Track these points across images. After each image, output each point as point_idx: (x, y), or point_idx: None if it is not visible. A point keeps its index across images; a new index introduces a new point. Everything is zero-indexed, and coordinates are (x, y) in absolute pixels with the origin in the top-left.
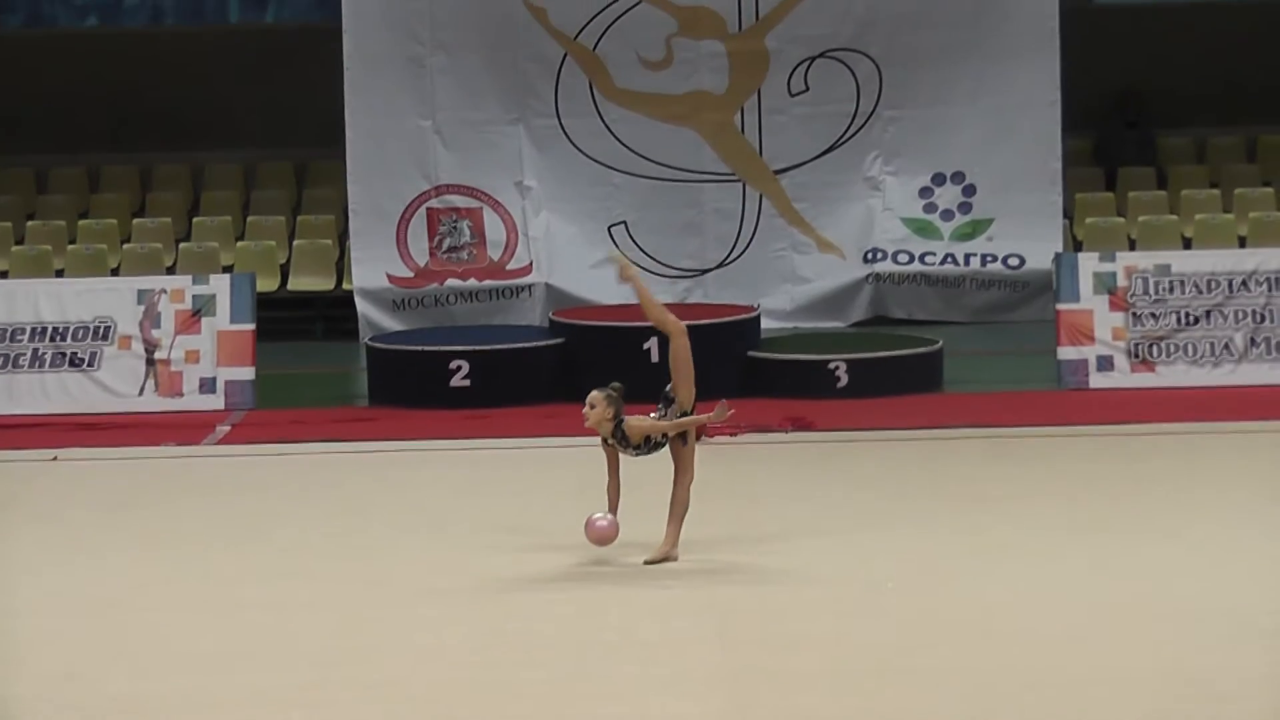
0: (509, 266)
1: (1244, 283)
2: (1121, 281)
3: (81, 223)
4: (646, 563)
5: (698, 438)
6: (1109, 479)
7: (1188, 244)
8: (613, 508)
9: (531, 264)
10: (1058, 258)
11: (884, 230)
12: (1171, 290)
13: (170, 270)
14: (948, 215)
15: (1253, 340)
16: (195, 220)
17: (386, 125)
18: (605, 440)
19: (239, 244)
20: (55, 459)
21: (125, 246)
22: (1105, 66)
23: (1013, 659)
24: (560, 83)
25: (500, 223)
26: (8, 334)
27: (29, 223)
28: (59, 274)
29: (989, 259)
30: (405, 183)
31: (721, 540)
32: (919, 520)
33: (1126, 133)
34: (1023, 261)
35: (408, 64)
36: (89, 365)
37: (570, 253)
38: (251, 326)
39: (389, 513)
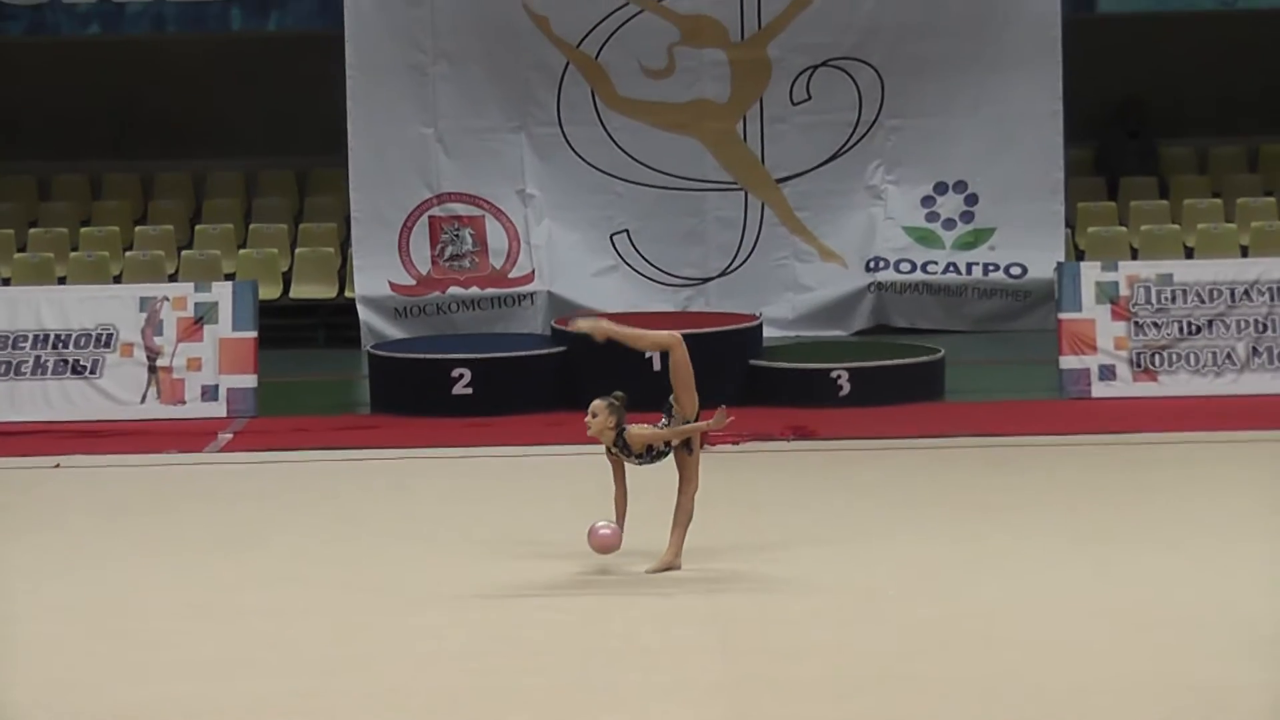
0: (511, 274)
1: (1246, 292)
2: (1123, 291)
3: (84, 230)
4: (649, 571)
5: (702, 445)
6: (1111, 488)
7: (1190, 253)
8: (620, 517)
9: (533, 272)
10: (1060, 267)
11: (886, 239)
12: (1173, 300)
13: (172, 278)
14: (950, 224)
15: (1255, 350)
16: (197, 228)
17: (389, 133)
18: (609, 449)
19: (241, 252)
20: (57, 466)
21: (127, 254)
22: (1107, 76)
23: (1014, 668)
24: (562, 91)
25: (502, 231)
26: (10, 341)
27: (31, 230)
28: (61, 281)
29: (991, 268)
30: (407, 191)
31: (724, 548)
32: (921, 529)
33: (1128, 142)
34: (1025, 271)
35: (410, 72)
36: (91, 372)
37: (572, 261)
38: (254, 334)
39: (390, 520)
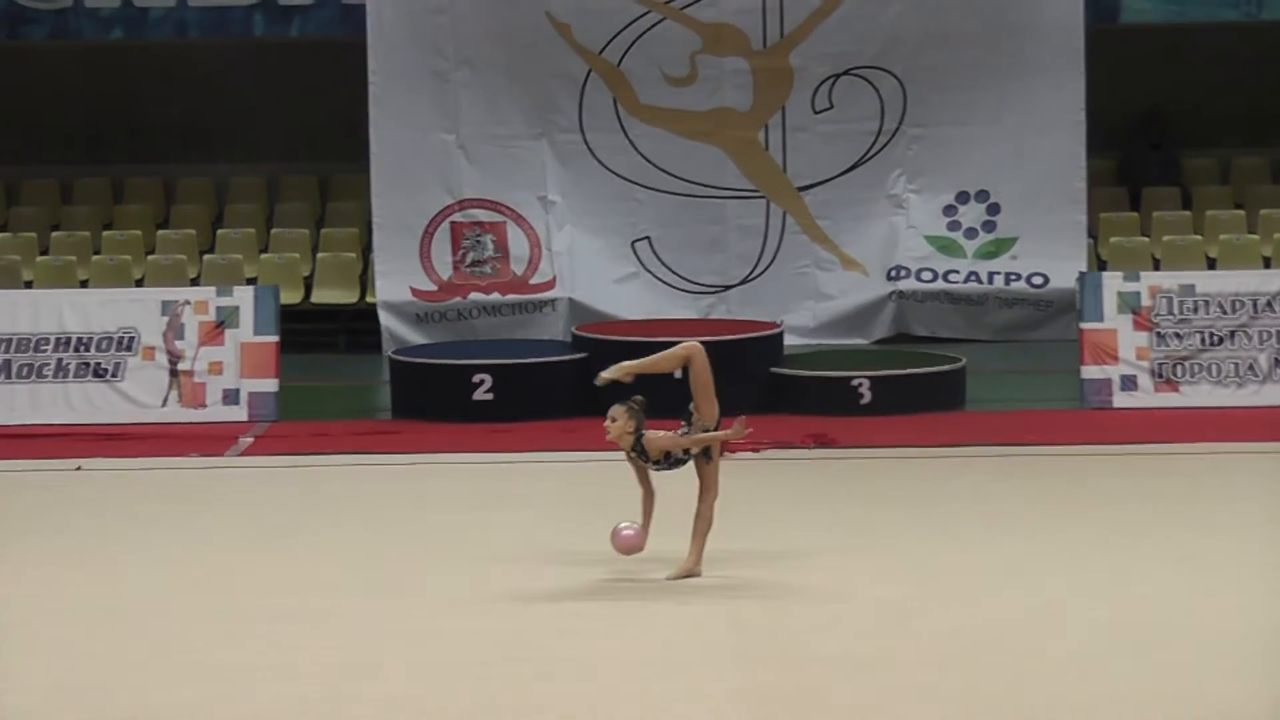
0: (532, 281)
1: (1269, 303)
2: (1145, 301)
3: (106, 234)
4: (669, 578)
5: (721, 453)
6: (1131, 499)
7: (1212, 264)
8: (646, 517)
9: (555, 279)
10: (1081, 277)
11: (907, 248)
12: (1196, 310)
13: (194, 282)
14: (971, 233)
15: (1277, 361)
16: (219, 232)
17: (410, 139)
18: (628, 454)
19: (263, 256)
20: (78, 469)
21: (149, 258)
22: (1130, 86)
23: (1031, 679)
24: (584, 98)
25: (524, 237)
26: (32, 344)
27: (54, 233)
28: (83, 285)
29: (1013, 277)
30: (429, 197)
31: (744, 556)
32: (941, 538)
33: (1151, 153)
34: (1046, 280)
35: (432, 78)
36: (112, 376)
37: (593, 268)
38: (275, 338)
39: (409, 526)
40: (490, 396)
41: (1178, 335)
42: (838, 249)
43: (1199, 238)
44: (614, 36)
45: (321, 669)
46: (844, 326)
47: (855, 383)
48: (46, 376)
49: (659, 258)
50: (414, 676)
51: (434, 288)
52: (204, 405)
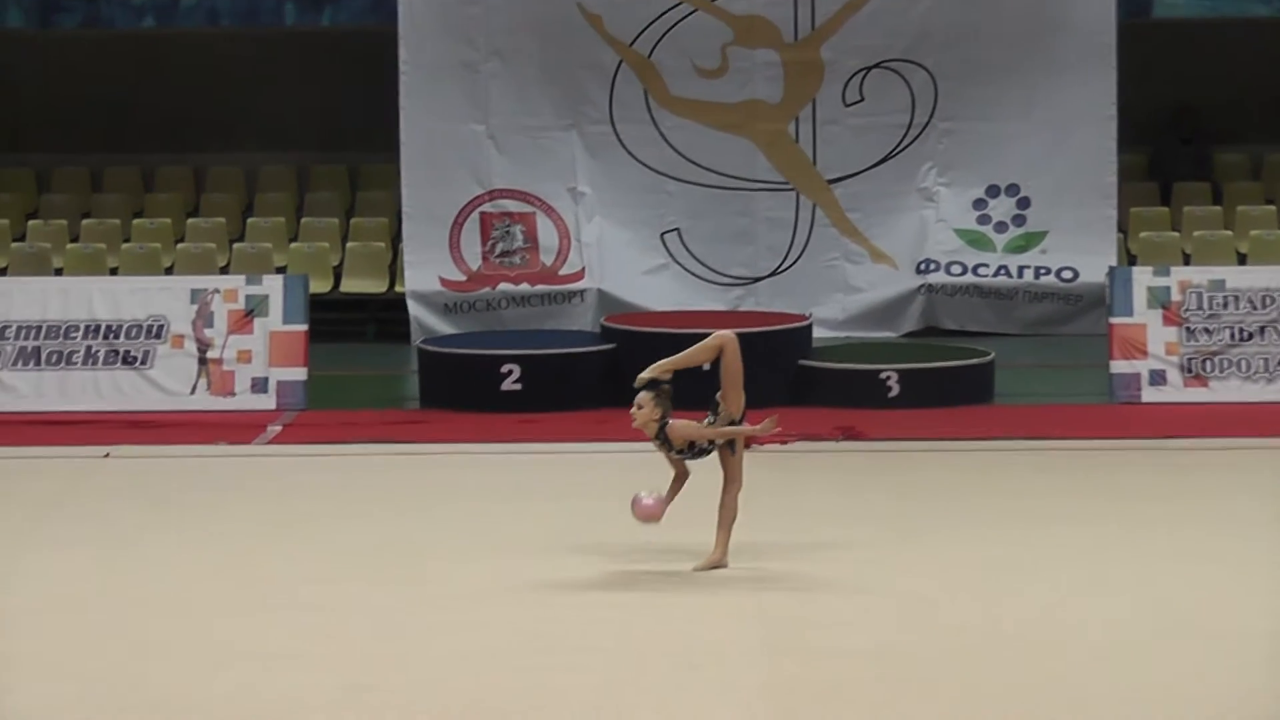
0: (561, 272)
1: None
2: (1175, 296)
3: (136, 222)
4: (696, 570)
5: (746, 446)
6: (1159, 494)
7: (1242, 260)
8: (672, 494)
9: (584, 269)
10: (1111, 271)
11: (937, 241)
12: (1225, 306)
13: (224, 270)
14: (1001, 227)
15: None
16: (249, 221)
17: (441, 129)
18: (654, 440)
19: (292, 245)
20: (107, 456)
21: (179, 246)
22: (1162, 81)
23: (1058, 675)
24: (615, 89)
25: (553, 228)
26: (62, 331)
27: (84, 221)
28: (113, 272)
29: (1042, 272)
30: (459, 187)
31: (771, 548)
32: (968, 532)
33: (1182, 148)
34: (1076, 275)
35: (462, 69)
36: (142, 363)
37: (623, 259)
38: (304, 327)
39: (436, 515)
40: (518, 387)
41: (1207, 330)
42: (867, 242)
43: (1229, 233)
44: (645, 28)
45: (347, 658)
46: (873, 319)
47: (884, 376)
48: (76, 364)
49: (688, 249)
50: (439, 666)
51: (463, 278)
52: (233, 393)
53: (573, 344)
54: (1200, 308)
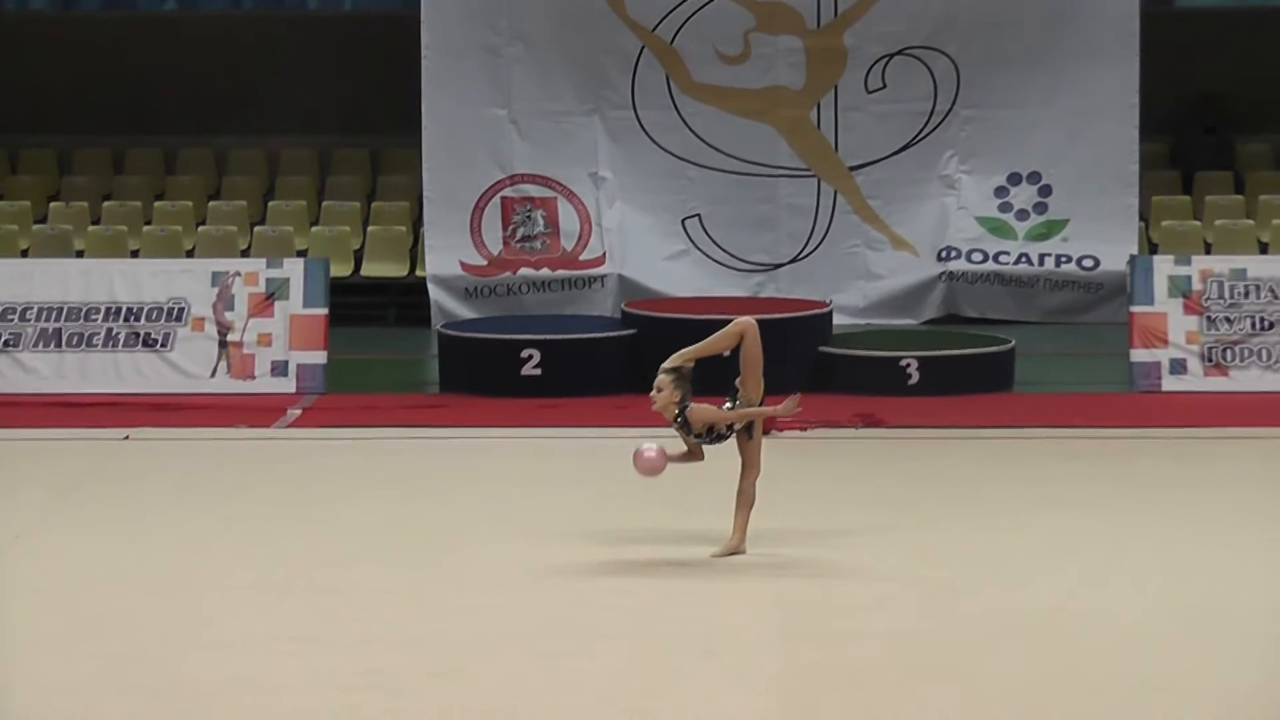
0: (582, 257)
1: None
2: (1196, 285)
3: (157, 204)
4: (714, 555)
5: (766, 431)
6: (1179, 482)
7: (1264, 249)
8: (682, 459)
9: (605, 255)
10: (1132, 260)
11: (958, 229)
12: (1246, 295)
13: (245, 253)
14: (1023, 215)
15: None
16: (270, 204)
17: (462, 114)
18: (672, 423)
19: (313, 229)
20: (127, 438)
21: (200, 229)
22: (1185, 70)
23: (1077, 662)
24: (637, 75)
25: (574, 213)
26: (83, 313)
27: (105, 203)
28: (134, 255)
29: (1063, 260)
30: (480, 171)
31: (789, 534)
32: (987, 519)
33: (1204, 137)
34: (1097, 263)
35: (485, 53)
36: (162, 346)
37: (644, 245)
38: (324, 311)
39: (455, 500)
40: (538, 372)
41: (1228, 319)
42: (888, 229)
43: (1251, 222)
44: (668, 13)
45: (365, 642)
46: (893, 306)
47: (904, 363)
48: (96, 346)
49: (709, 235)
50: (457, 650)
51: (484, 262)
52: (252, 377)
53: (593, 329)
54: (1221, 297)
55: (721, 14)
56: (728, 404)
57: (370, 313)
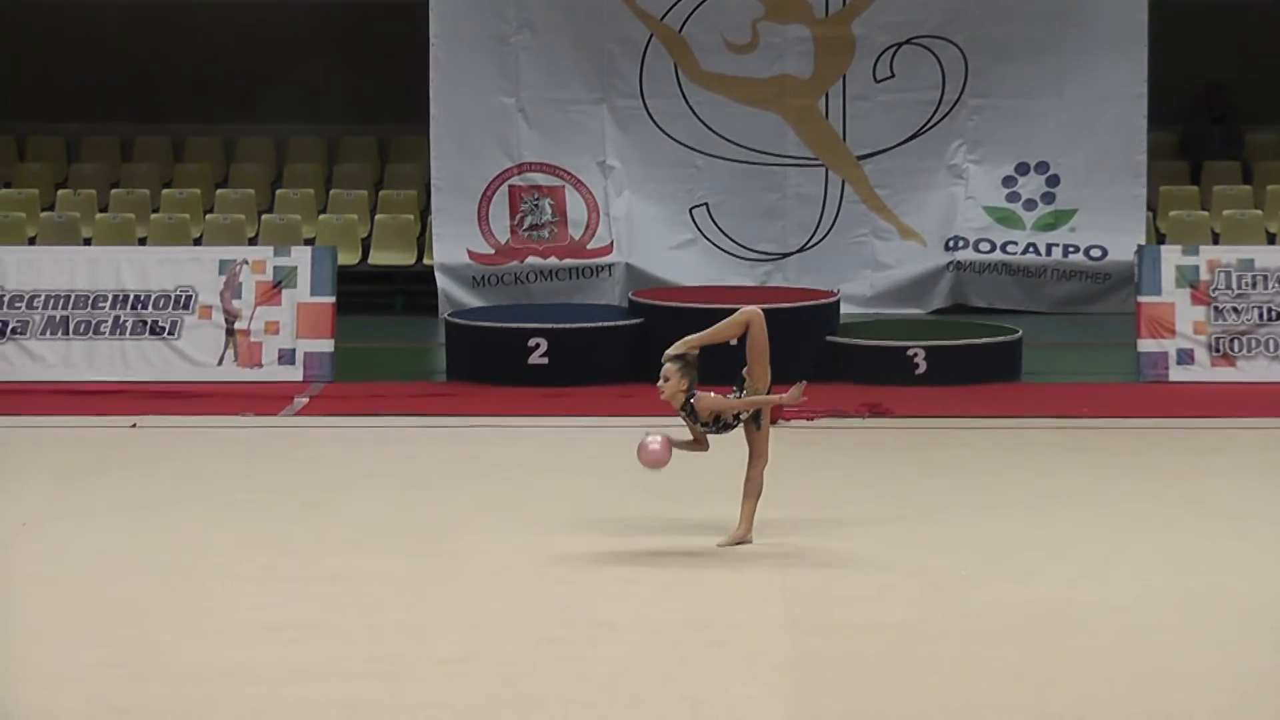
0: (590, 246)
1: None
2: (1204, 275)
3: (165, 192)
4: (720, 545)
5: (773, 421)
6: (1186, 473)
7: (1272, 239)
8: (686, 446)
9: (612, 244)
10: (1140, 250)
11: (966, 219)
12: (1254, 285)
13: (252, 241)
14: (1030, 205)
15: None
16: (278, 192)
17: (470, 102)
18: (679, 412)
19: (321, 217)
20: (134, 426)
21: (208, 217)
22: (1193, 60)
23: (1081, 653)
24: (645, 63)
25: (582, 202)
26: (90, 301)
27: (113, 191)
28: (142, 242)
29: (1071, 250)
30: (488, 160)
31: (795, 524)
32: (994, 510)
33: (1213, 127)
34: (1105, 253)
35: (493, 42)
36: (169, 334)
37: (651, 234)
38: (332, 299)
39: (462, 488)
40: (545, 361)
41: (1235, 310)
42: (896, 218)
43: (1259, 212)
44: (676, 2)
45: (371, 630)
46: (901, 296)
47: (911, 353)
48: (104, 334)
49: (717, 224)
50: (462, 639)
51: (491, 251)
52: (260, 365)
53: (600, 318)
54: (1229, 287)
55: (729, 3)
56: (734, 393)
57: (377, 301)
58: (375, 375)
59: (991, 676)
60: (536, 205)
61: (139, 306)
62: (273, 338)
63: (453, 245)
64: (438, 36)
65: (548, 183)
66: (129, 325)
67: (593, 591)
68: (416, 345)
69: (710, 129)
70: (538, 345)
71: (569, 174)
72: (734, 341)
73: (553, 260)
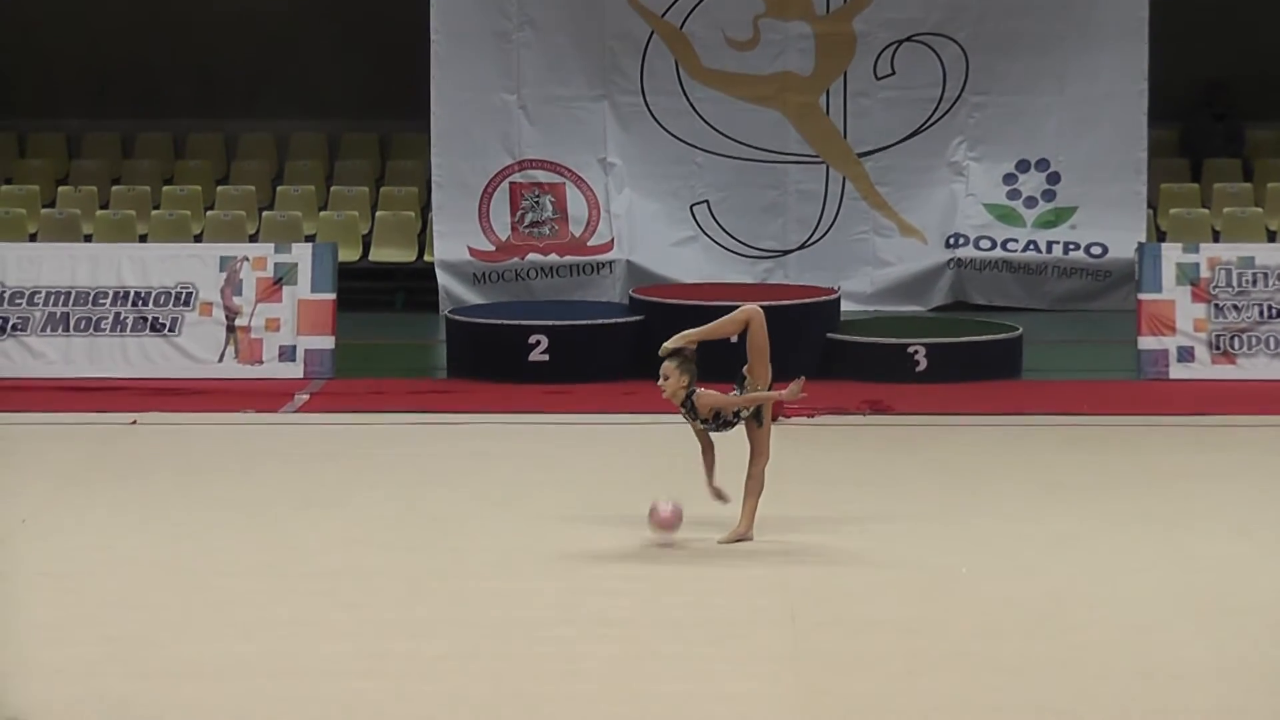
0: (590, 243)
1: None
2: (1204, 273)
3: (166, 189)
4: (721, 542)
5: (774, 418)
6: (1186, 470)
7: (1272, 237)
8: (709, 469)
9: (613, 241)
10: (1140, 248)
11: (966, 216)
12: (1254, 283)
13: (253, 238)
14: (1031, 202)
15: None
16: (279, 189)
17: (471, 99)
18: (680, 409)
19: (322, 214)
20: (134, 423)
21: (209, 213)
22: (1194, 57)
23: (1084, 649)
24: (646, 61)
25: (583, 199)
26: (90, 297)
27: (114, 187)
28: (143, 239)
29: (1071, 247)
30: (489, 157)
31: (796, 521)
32: (995, 507)
33: (1214, 124)
34: (1105, 250)
35: (494, 38)
36: (170, 330)
37: (652, 231)
38: (332, 296)
39: (464, 485)
40: (546, 358)
41: (1236, 307)
42: (897, 216)
43: (1260, 210)
44: None
45: (372, 626)
46: (901, 293)
47: (911, 350)
48: (104, 330)
49: (718, 222)
50: (464, 635)
51: (492, 248)
52: (260, 361)
53: (601, 315)
54: (1229, 284)
55: (731, 0)
56: (735, 392)
57: (378, 298)
58: (376, 372)
59: (992, 673)
60: (537, 202)
61: (140, 303)
62: (273, 334)
63: (454, 242)
64: (439, 33)
65: (549, 180)
66: (130, 322)
67: (593, 588)
68: (417, 342)
69: (711, 126)
70: (538, 342)
71: (570, 171)
72: (734, 339)
73: (553, 257)
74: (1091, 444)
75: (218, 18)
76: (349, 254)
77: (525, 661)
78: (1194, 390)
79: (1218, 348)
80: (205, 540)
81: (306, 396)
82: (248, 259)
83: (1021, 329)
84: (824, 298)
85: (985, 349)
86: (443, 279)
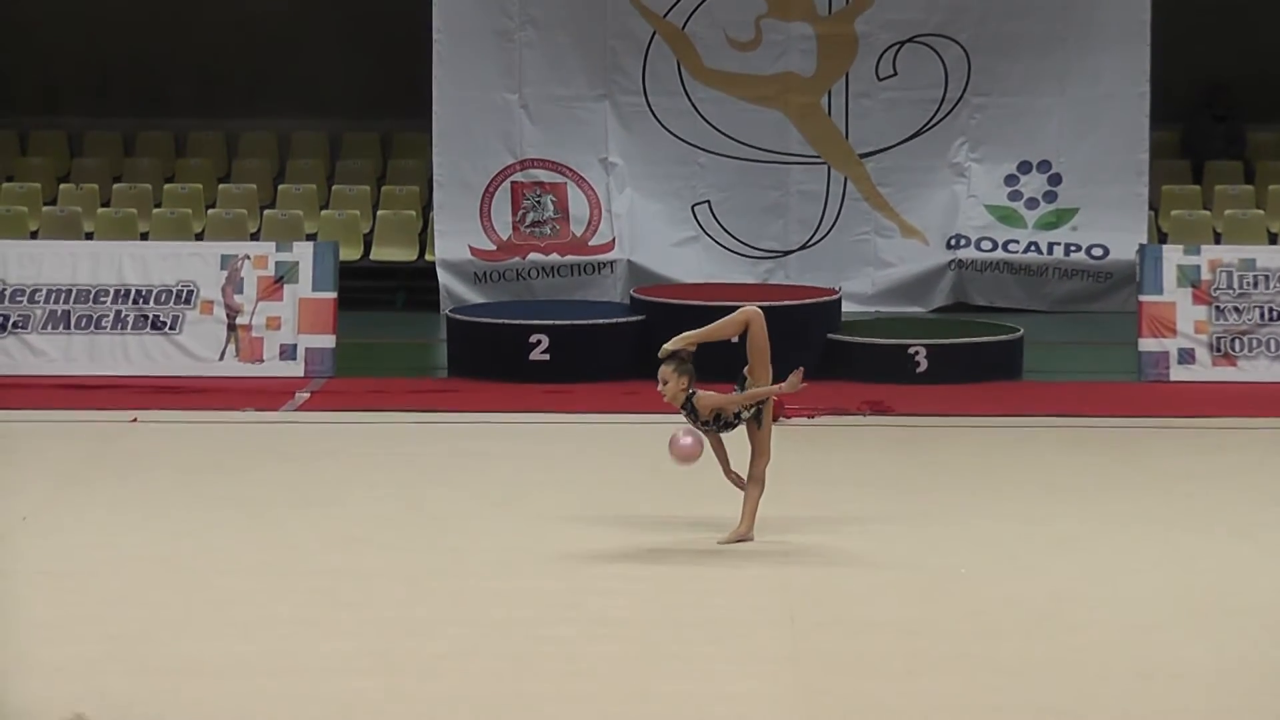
0: (591, 242)
1: None
2: (1205, 275)
3: (167, 187)
4: (721, 542)
5: (774, 418)
6: (1187, 472)
7: (1273, 239)
8: (724, 462)
9: (614, 241)
10: (1142, 249)
11: (968, 217)
12: (1255, 285)
13: (254, 236)
14: (1032, 204)
15: None
16: (280, 187)
17: (473, 98)
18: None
19: (323, 213)
20: (135, 421)
21: (210, 212)
22: (1196, 59)
23: (1084, 650)
24: (648, 61)
25: (584, 198)
26: (91, 295)
27: (115, 185)
28: (144, 237)
29: (1072, 248)
30: (490, 156)
31: (797, 522)
32: (995, 508)
33: (1215, 126)
34: (1106, 252)
35: (496, 37)
36: (170, 329)
37: (653, 231)
38: (333, 295)
39: (464, 484)
40: (546, 357)
41: (1237, 309)
42: (898, 216)
43: (1261, 212)
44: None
45: (373, 625)
46: (902, 294)
47: (912, 351)
48: (105, 328)
49: (719, 222)
50: (464, 634)
51: (493, 247)
52: (261, 360)
53: (602, 315)
54: (1230, 287)
55: (733, 0)
56: (735, 392)
57: (379, 297)
58: (376, 371)
59: (992, 674)
60: (539, 202)
61: (140, 301)
62: (274, 333)
63: (455, 241)
64: (441, 32)
65: (550, 179)
66: (130, 320)
67: (593, 588)
68: (418, 341)
69: (713, 126)
70: (539, 341)
71: (571, 170)
72: (734, 340)
73: (554, 257)
74: (1092, 445)
75: (220, 16)
76: (350, 253)
77: (525, 661)
78: (1194, 392)
79: (1218, 350)
80: (205, 539)
81: (307, 395)
82: (249, 257)
83: (1022, 330)
84: (825, 298)
85: (986, 350)
86: (444, 278)
